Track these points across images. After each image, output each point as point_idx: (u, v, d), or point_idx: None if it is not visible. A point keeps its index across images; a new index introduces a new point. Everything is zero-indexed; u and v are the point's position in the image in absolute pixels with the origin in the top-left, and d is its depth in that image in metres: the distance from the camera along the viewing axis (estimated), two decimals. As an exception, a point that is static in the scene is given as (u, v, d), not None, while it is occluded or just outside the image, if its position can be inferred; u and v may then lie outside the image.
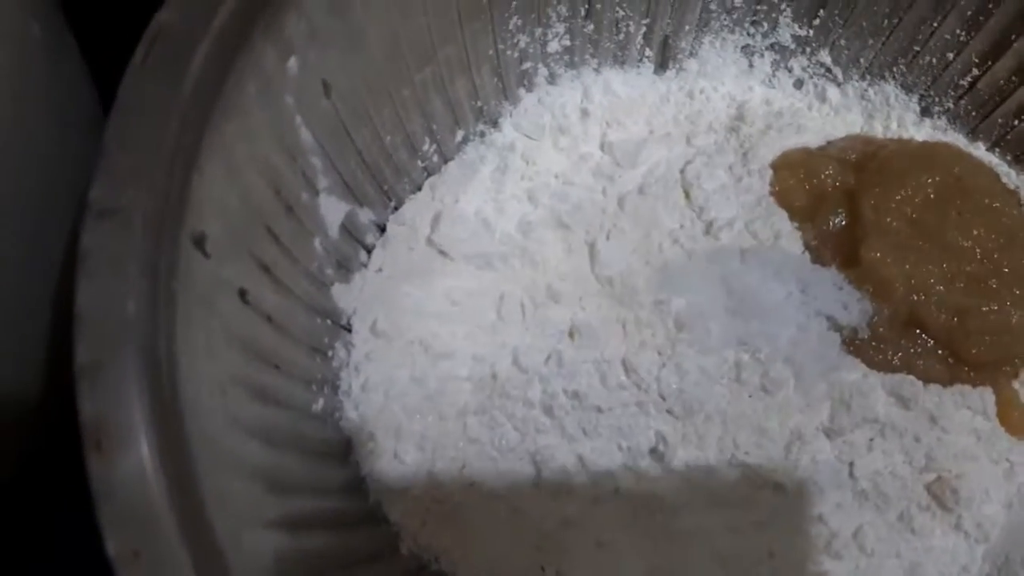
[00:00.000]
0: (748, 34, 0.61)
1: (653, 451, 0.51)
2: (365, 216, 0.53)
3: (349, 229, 0.52)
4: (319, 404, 0.48)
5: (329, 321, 0.50)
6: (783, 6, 0.59)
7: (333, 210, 0.50)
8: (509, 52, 0.57)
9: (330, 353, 0.50)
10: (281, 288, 0.45)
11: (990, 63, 0.56)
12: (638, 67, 0.62)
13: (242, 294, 0.41)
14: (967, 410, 0.54)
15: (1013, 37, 0.54)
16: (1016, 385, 0.55)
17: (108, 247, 0.34)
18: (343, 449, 0.49)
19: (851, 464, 0.52)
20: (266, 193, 0.43)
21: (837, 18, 0.58)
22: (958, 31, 0.56)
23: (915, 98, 0.60)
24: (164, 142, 0.36)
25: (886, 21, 0.57)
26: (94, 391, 0.32)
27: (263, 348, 0.43)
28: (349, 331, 0.52)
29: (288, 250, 0.46)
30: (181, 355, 0.35)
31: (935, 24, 0.56)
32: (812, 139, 0.59)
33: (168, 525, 0.31)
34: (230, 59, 0.38)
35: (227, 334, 0.39)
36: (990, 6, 0.54)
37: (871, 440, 0.52)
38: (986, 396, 0.54)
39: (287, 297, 0.46)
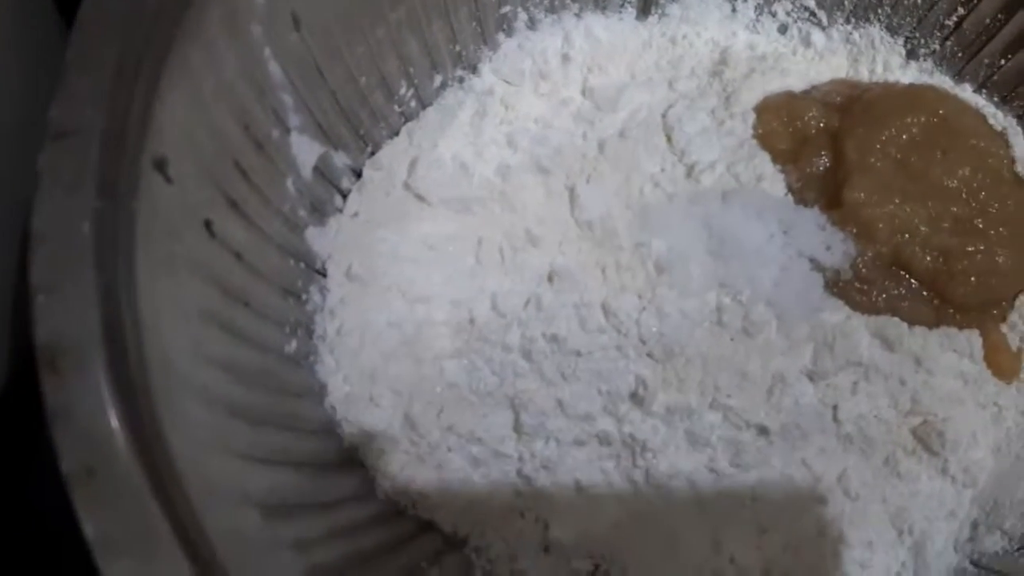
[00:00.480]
0: (731, -23, 0.60)
1: (633, 395, 0.50)
2: (340, 160, 0.52)
3: (323, 171, 0.51)
4: (292, 346, 0.47)
5: (303, 264, 0.50)
6: (767, -50, 0.59)
7: (306, 150, 0.49)
8: (487, -6, 0.56)
9: (304, 297, 0.49)
10: (251, 226, 0.44)
11: (975, 2, 0.55)
12: (620, 13, 0.61)
13: (208, 225, 0.40)
14: (953, 353, 0.53)
15: (999, -26, 0.53)
16: (1004, 328, 0.55)
17: (65, 167, 0.33)
18: (319, 392, 0.49)
19: (835, 407, 0.51)
20: (234, 126, 0.43)
21: (821, -41, 0.58)
22: (943, -31, 0.55)
23: (900, 40, 0.59)
24: (124, 64, 0.35)
25: (870, -39, 0.56)
26: (49, 311, 0.31)
27: (231, 284, 0.42)
28: (324, 276, 0.51)
29: (258, 188, 0.45)
30: (141, 277, 0.34)
31: (920, -37, 0.55)
32: (796, 83, 0.58)
33: (122, 444, 0.30)
34: (193, -18, 0.38)
35: (192, 264, 0.38)
36: (976, -57, 0.53)
37: (855, 383, 0.51)
38: (973, 339, 0.53)
39: (258, 235, 0.45)
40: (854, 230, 0.52)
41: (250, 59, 0.43)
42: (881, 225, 0.52)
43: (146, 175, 0.35)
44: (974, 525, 0.52)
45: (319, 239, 0.51)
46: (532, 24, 0.59)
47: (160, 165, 0.36)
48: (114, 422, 0.30)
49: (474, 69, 0.58)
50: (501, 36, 0.59)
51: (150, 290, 0.34)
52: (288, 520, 0.41)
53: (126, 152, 0.35)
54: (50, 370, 0.31)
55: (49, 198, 0.33)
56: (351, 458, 0.48)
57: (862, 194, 0.52)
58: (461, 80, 0.58)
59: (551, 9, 0.59)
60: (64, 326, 0.31)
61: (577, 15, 0.60)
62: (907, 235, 0.52)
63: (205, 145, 0.40)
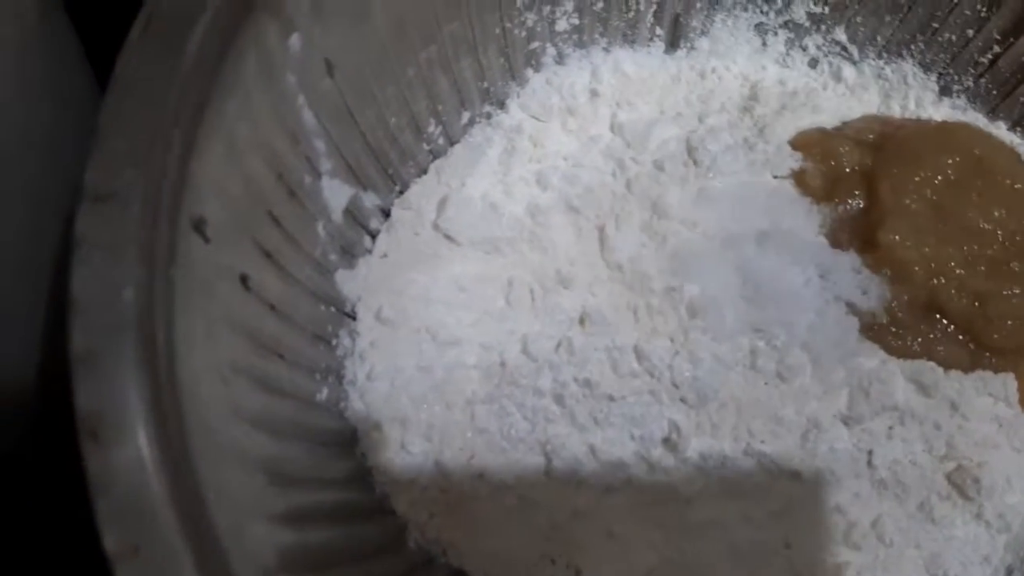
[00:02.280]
0: (761, 12, 0.59)
1: (666, 440, 0.50)
2: (369, 200, 0.52)
3: (353, 213, 0.50)
4: (323, 393, 0.47)
5: (333, 308, 0.49)
6: (797, -18, 0.58)
7: (337, 194, 0.48)
8: (516, 31, 0.55)
9: (334, 341, 0.49)
10: (284, 274, 0.44)
11: (1011, 40, 0.54)
12: (648, 46, 0.60)
13: (244, 280, 0.39)
14: (989, 397, 0.52)
15: (1036, 12, 0.52)
16: (1039, 372, 0.54)
17: (104, 232, 0.33)
18: (348, 439, 0.48)
19: (870, 452, 0.50)
20: (268, 176, 0.42)
21: (853, -7, 0.57)
22: (979, 7, 0.54)
23: (934, 77, 0.58)
24: (161, 122, 0.35)
25: (904, -3, 0.56)
26: (89, 380, 0.31)
27: (266, 336, 0.41)
28: (354, 319, 0.51)
29: (291, 235, 0.44)
30: (180, 343, 0.33)
31: (955, 0, 0.54)
32: (827, 119, 0.58)
33: (167, 519, 0.30)
34: (230, 36, 0.37)
35: (229, 321, 0.38)
36: (1012, -19, 0.53)
37: (890, 428, 0.51)
38: (1008, 382, 0.53)
39: (290, 284, 0.44)
40: (889, 273, 0.51)
41: (284, 108, 0.42)
42: (917, 268, 0.51)
43: (185, 237, 0.35)
44: (1009, 571, 0.52)
45: (349, 282, 0.50)
46: (560, 59, 0.59)
47: (199, 225, 0.36)
48: (158, 496, 0.30)
49: (502, 105, 0.58)
50: (529, 71, 0.58)
51: (189, 354, 0.34)
52: (325, 573, 0.41)
53: (164, 214, 0.34)
54: (91, 441, 0.31)
55: (88, 263, 0.32)
56: (381, 507, 0.48)
57: (897, 237, 0.51)
58: (489, 116, 0.58)
59: (579, 44, 0.59)
60: (105, 397, 0.31)
61: (606, 49, 0.60)
62: (943, 278, 0.51)
63: (240, 198, 0.40)
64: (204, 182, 0.36)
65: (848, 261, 0.52)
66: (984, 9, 0.54)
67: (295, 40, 0.41)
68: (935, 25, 0.56)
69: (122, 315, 0.32)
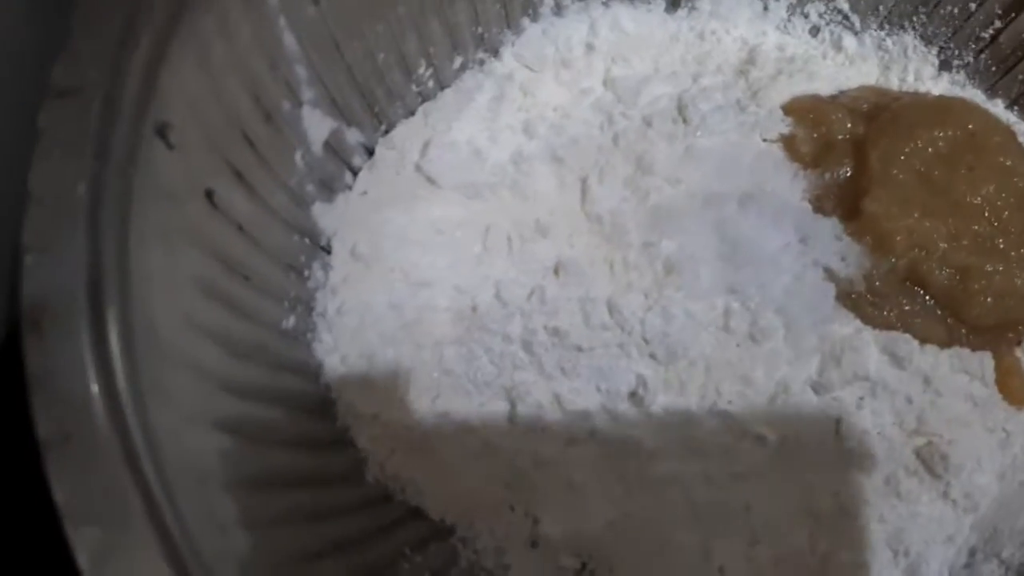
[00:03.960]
0: (764, -25, 0.58)
1: (632, 394, 0.49)
2: (353, 136, 0.52)
3: (334, 147, 0.50)
4: (290, 322, 0.47)
5: (307, 240, 0.49)
6: (801, -52, 0.57)
7: (317, 125, 0.48)
8: (513, -22, 0.55)
9: (307, 273, 0.49)
10: (255, 198, 0.44)
11: (1013, 15, 0.53)
12: (649, 4, 0.59)
13: (209, 195, 0.39)
14: (964, 374, 0.52)
15: (1040, -12, 0.51)
16: (1019, 352, 0.53)
17: (64, 127, 0.33)
18: (315, 370, 0.48)
19: (838, 421, 0.50)
20: (243, 96, 0.42)
21: (857, -39, 0.56)
22: (982, -21, 0.53)
23: (934, 50, 0.57)
24: (131, 27, 0.35)
25: (908, -34, 0.55)
26: (36, 271, 0.31)
27: (231, 256, 0.41)
28: (329, 252, 0.50)
29: (265, 159, 0.44)
30: (134, 245, 0.33)
31: (959, -29, 0.53)
32: (824, 87, 0.57)
33: (100, 410, 0.30)
34: (207, -52, 0.37)
35: (190, 234, 0.38)
36: (1017, -46, 0.51)
37: (860, 398, 0.50)
38: (986, 361, 0.52)
39: (262, 208, 0.44)
40: (871, 241, 0.51)
41: (264, 29, 0.42)
42: (899, 238, 0.50)
43: (147, 140, 0.35)
44: (972, 552, 0.51)
45: (326, 215, 0.50)
46: (559, 10, 0.58)
47: (162, 131, 0.36)
48: (94, 387, 0.30)
49: (496, 52, 0.57)
50: (526, 21, 0.58)
51: (142, 257, 0.34)
52: (272, 498, 0.41)
53: (128, 116, 0.34)
54: (33, 332, 0.31)
55: (47, 158, 0.33)
56: (342, 439, 0.48)
57: (881, 206, 0.51)
58: (482, 63, 0.57)
59: (578, -3, 0.58)
60: (50, 287, 0.31)
61: (605, 3, 0.59)
62: (924, 250, 0.51)
63: (212, 113, 0.40)
64: (172, 91, 0.36)
65: (830, 227, 0.51)
66: (988, -19, 0.53)
67: (277, -39, 0.41)
68: (938, -4, 0.55)
69: (75, 209, 0.32)
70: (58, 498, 0.29)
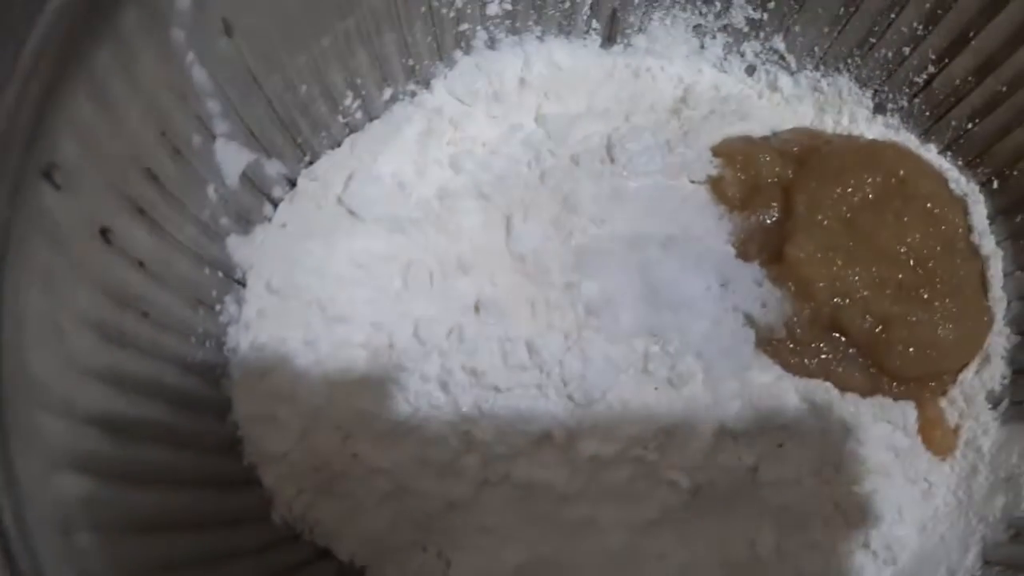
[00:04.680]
0: (700, 13, 0.58)
1: (549, 437, 0.49)
2: (273, 168, 0.51)
3: (252, 179, 0.49)
4: (197, 357, 0.46)
5: (220, 273, 0.48)
6: (737, -15, 0.57)
7: (233, 158, 0.47)
8: (444, 10, 0.54)
9: (218, 307, 0.48)
10: (159, 232, 0.43)
11: (946, 61, 0.53)
12: (584, 39, 0.59)
13: (104, 233, 0.39)
14: (886, 423, 0.51)
15: (971, 34, 0.51)
16: (943, 403, 0.53)
17: (-62, 168, 0.32)
18: (222, 407, 0.47)
19: (755, 469, 0.49)
20: (147, 132, 0.41)
21: (792, 2, 0.55)
22: (915, 24, 0.53)
23: (869, 93, 0.57)
24: (19, 64, 0.34)
25: (842, 9, 0.54)
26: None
27: (127, 292, 0.40)
28: (243, 286, 0.50)
29: (171, 194, 0.43)
30: (7, 290, 0.33)
31: (892, 15, 0.53)
32: (757, 128, 0.57)
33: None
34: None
35: (79, 273, 0.37)
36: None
37: (779, 446, 0.50)
38: (908, 411, 0.52)
39: (166, 242, 0.43)
40: (792, 288, 0.50)
41: (170, 64, 0.41)
42: (820, 285, 0.50)
43: (31, 183, 0.34)
44: (891, 606, 0.51)
45: (241, 248, 0.49)
46: (492, 44, 0.58)
47: (48, 172, 0.35)
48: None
49: (427, 84, 0.57)
50: (458, 53, 0.57)
51: (16, 302, 0.33)
52: (172, 541, 0.40)
53: (12, 157, 0.33)
54: None
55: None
56: (249, 478, 0.47)
57: (803, 252, 0.50)
58: (413, 95, 0.57)
59: (512, 30, 0.57)
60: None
61: (539, 38, 0.58)
62: (847, 298, 0.50)
63: (109, 150, 0.39)
64: (62, 129, 0.35)
65: (751, 273, 0.51)
66: (921, 27, 0.52)
67: (182, -6, 0.40)
68: (872, 40, 0.55)
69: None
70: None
